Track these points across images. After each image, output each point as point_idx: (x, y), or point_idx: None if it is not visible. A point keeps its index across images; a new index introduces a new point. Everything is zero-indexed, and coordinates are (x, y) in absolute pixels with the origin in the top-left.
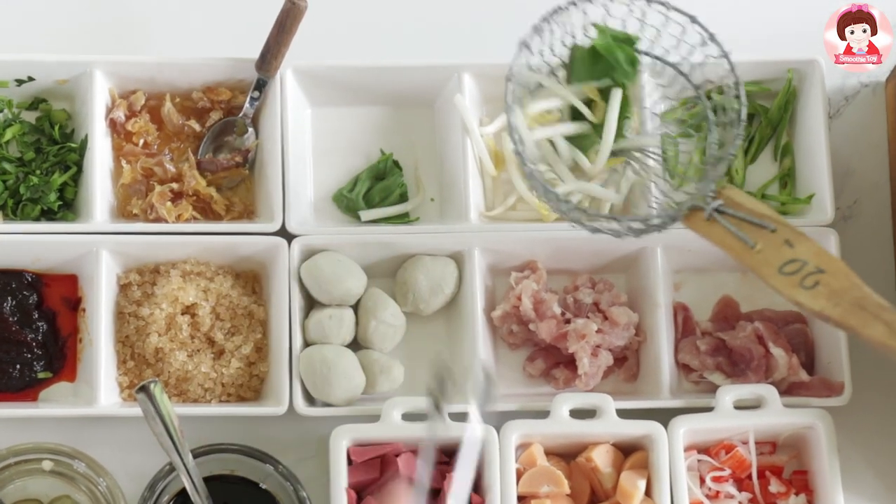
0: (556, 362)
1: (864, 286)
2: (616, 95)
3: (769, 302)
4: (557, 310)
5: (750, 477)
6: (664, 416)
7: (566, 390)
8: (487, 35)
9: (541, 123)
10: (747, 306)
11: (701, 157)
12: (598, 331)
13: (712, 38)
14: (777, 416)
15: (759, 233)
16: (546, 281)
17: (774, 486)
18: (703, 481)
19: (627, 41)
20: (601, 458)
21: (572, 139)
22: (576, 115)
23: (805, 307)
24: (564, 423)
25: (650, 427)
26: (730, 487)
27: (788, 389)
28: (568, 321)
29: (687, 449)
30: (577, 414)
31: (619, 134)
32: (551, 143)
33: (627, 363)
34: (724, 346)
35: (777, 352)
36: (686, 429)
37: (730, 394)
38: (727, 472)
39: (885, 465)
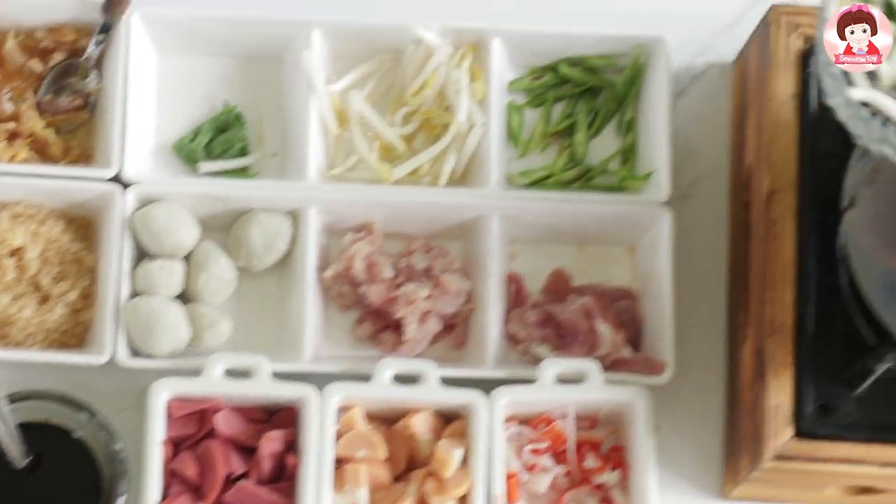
0: (384, 326)
1: None
2: None
3: (603, 276)
4: (389, 273)
5: (567, 450)
6: (489, 386)
7: (392, 355)
8: None
9: None
10: (581, 280)
11: None
12: (429, 296)
13: None
14: (598, 391)
15: None
16: (381, 244)
17: (591, 461)
18: (521, 453)
19: None
20: (420, 425)
21: None
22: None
23: None
24: (385, 387)
25: (471, 396)
26: (546, 460)
27: (613, 365)
28: (399, 285)
29: (508, 420)
30: (402, 380)
31: None
32: None
33: (457, 331)
34: (553, 318)
35: (603, 327)
36: (507, 400)
37: (552, 367)
38: (545, 445)
39: (702, 443)
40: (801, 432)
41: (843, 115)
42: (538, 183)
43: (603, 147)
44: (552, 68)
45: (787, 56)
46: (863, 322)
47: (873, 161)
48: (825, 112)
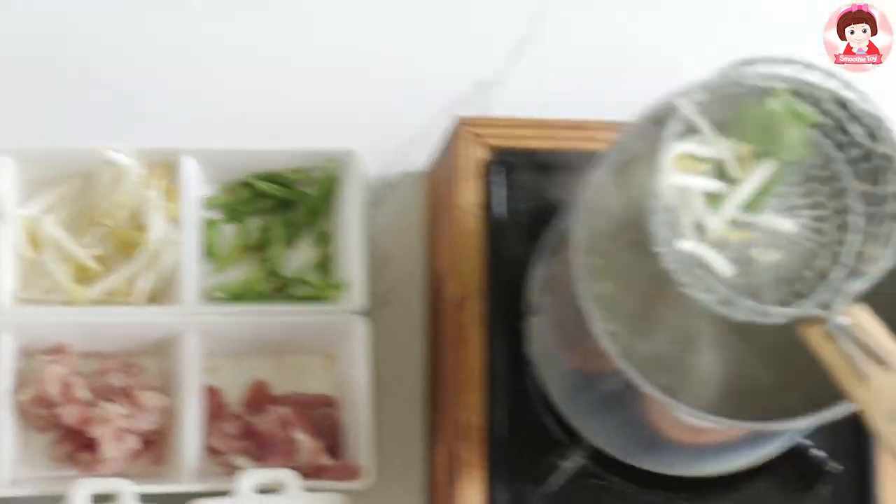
0: (82, 446)
1: None
2: (767, 167)
3: (303, 385)
4: (85, 394)
5: None
6: (191, 500)
7: (91, 475)
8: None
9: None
10: (282, 389)
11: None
12: (126, 415)
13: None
14: (296, 500)
15: (878, 366)
16: (77, 364)
17: None
18: None
19: (804, 118)
20: None
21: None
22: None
23: None
24: None
25: None
26: None
27: (314, 473)
28: (96, 405)
29: None
30: (101, 499)
31: (757, 207)
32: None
33: (156, 447)
34: (252, 430)
35: (300, 436)
36: None
37: (248, 478)
38: None
39: None
40: None
41: (670, 264)
42: (236, 297)
43: (301, 258)
44: (247, 184)
45: (472, 166)
46: (552, 422)
47: (550, 270)
48: (511, 219)
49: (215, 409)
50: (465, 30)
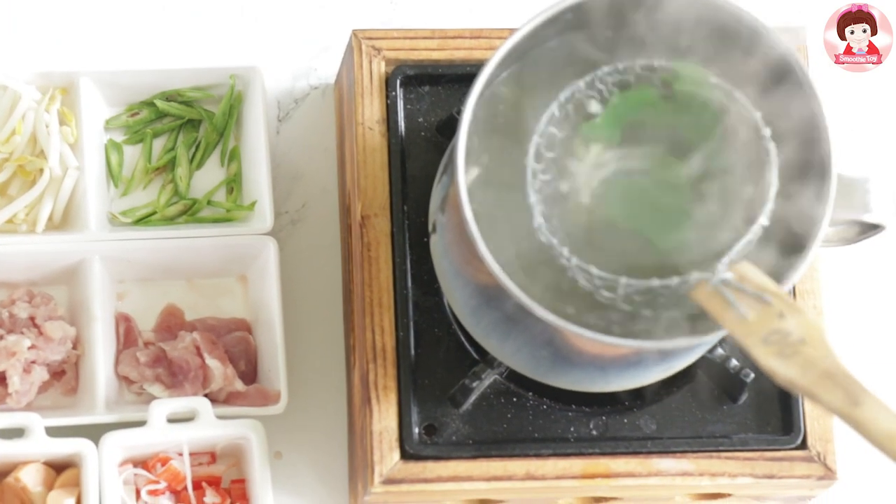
0: None
1: (837, 358)
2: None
3: (216, 309)
4: None
5: (186, 488)
6: (104, 431)
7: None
8: None
9: None
10: (194, 314)
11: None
12: (32, 346)
13: None
14: (210, 428)
15: (755, 304)
16: None
17: (210, 497)
18: (140, 495)
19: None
20: (30, 477)
21: None
22: None
23: (777, 373)
24: None
25: (79, 445)
26: (165, 500)
27: (227, 399)
28: (1, 338)
29: (123, 463)
30: (8, 434)
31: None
32: None
33: (66, 377)
34: (165, 356)
35: (213, 363)
36: (118, 444)
37: (161, 407)
38: (163, 485)
39: (327, 468)
40: (408, 455)
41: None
42: (142, 221)
43: (208, 179)
44: (149, 104)
45: (372, 81)
46: (464, 341)
47: (445, 188)
48: (415, 134)
49: (126, 336)
50: None
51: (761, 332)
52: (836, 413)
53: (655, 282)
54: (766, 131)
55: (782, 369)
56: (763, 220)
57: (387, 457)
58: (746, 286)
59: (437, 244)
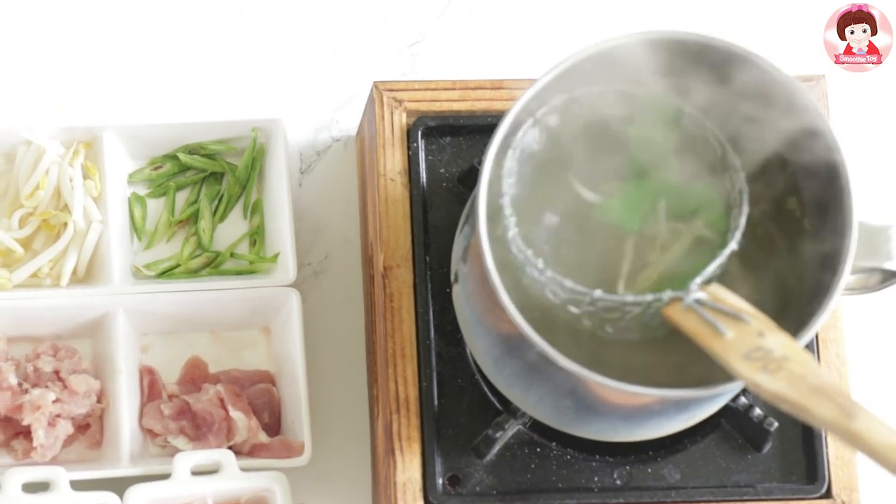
0: (15, 433)
1: (825, 375)
2: None
3: (240, 361)
4: (14, 380)
5: None
6: (128, 484)
7: (25, 462)
8: None
9: None
10: (216, 367)
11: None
12: (57, 400)
13: None
14: (234, 480)
15: (733, 323)
16: (6, 350)
17: None
18: None
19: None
20: None
21: None
22: None
23: (763, 387)
24: (13, 498)
25: (104, 498)
26: None
27: (251, 451)
28: (26, 391)
29: None
30: (34, 487)
31: None
32: None
33: (91, 430)
34: (189, 409)
35: (237, 415)
36: (143, 498)
37: (186, 460)
38: None
39: None
40: None
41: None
42: (166, 274)
43: (231, 231)
44: (172, 157)
45: (393, 132)
46: (487, 391)
47: (467, 239)
48: (436, 185)
49: (150, 389)
50: None
51: (742, 349)
52: (830, 427)
53: (629, 297)
54: (736, 161)
55: (769, 383)
56: (733, 244)
57: None
58: (722, 306)
59: (459, 294)
